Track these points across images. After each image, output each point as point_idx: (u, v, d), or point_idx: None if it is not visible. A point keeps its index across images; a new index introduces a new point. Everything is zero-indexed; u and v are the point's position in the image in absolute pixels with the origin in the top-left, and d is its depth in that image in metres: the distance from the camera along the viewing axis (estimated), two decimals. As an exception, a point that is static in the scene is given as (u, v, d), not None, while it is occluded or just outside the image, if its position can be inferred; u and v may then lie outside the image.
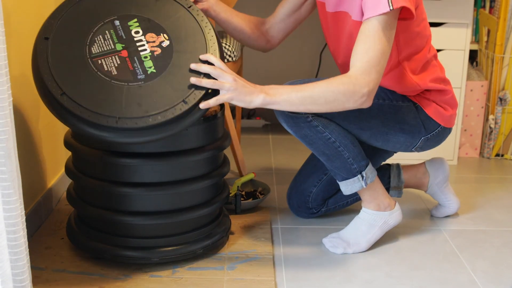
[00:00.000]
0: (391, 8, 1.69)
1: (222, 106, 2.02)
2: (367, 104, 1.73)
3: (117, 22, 1.72)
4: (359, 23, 1.80)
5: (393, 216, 2.05)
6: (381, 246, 2.07)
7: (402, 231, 2.17)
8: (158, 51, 1.72)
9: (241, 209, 2.21)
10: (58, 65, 1.65)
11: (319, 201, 2.21)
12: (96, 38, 1.71)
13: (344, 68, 1.99)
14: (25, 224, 1.50)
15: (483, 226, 2.26)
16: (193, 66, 1.69)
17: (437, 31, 2.71)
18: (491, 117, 2.89)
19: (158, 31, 1.75)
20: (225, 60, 2.48)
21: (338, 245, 2.03)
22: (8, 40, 1.74)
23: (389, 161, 2.41)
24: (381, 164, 2.23)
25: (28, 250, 1.52)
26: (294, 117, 1.89)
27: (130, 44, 1.72)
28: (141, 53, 1.72)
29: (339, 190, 2.16)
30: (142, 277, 1.81)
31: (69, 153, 2.07)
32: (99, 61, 1.69)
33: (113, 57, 1.70)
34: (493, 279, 1.89)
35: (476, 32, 3.05)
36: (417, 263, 1.98)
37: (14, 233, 1.45)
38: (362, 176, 1.95)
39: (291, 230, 2.17)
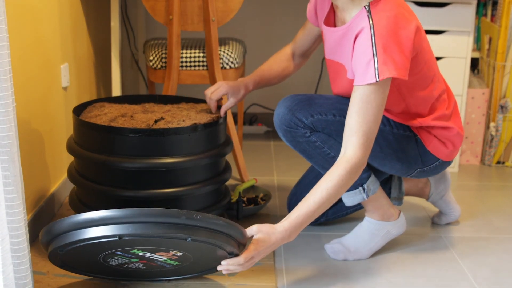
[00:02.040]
0: (378, 79, 1.68)
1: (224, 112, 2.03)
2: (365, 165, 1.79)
3: (119, 252, 1.63)
4: (353, 81, 1.80)
5: (396, 226, 2.04)
6: (382, 253, 2.07)
7: (403, 238, 2.17)
8: (175, 257, 1.68)
9: (242, 215, 2.22)
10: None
11: None
12: (108, 260, 1.68)
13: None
14: (27, 228, 1.51)
15: (484, 233, 2.26)
16: (220, 268, 1.67)
17: (439, 39, 2.72)
18: (492, 124, 2.89)
19: (165, 250, 1.64)
20: (228, 67, 2.49)
21: (339, 252, 2.03)
22: (12, 46, 1.75)
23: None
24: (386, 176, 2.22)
25: (30, 254, 1.52)
26: (292, 131, 1.89)
27: (143, 258, 1.68)
28: (159, 259, 1.69)
29: (339, 201, 2.16)
30: (144, 283, 1.81)
31: (72, 158, 2.07)
32: (124, 266, 1.72)
33: (135, 264, 1.71)
34: (494, 286, 1.89)
35: (477, 40, 3.06)
36: (418, 270, 1.98)
37: (17, 237, 1.46)
38: (364, 189, 1.94)
39: (292, 236, 2.17)
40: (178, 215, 1.54)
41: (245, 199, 2.36)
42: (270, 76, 2.16)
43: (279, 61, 2.19)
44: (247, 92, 2.10)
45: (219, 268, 1.67)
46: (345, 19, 1.83)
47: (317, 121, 1.88)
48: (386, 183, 2.20)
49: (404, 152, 1.96)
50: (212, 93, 2.04)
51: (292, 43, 2.21)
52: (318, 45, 2.19)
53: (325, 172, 1.95)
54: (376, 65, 1.67)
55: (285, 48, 2.22)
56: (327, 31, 1.91)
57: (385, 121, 1.94)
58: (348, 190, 1.95)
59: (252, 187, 2.43)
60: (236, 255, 1.69)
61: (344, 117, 1.88)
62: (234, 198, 2.29)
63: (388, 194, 2.19)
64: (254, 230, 1.68)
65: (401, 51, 1.71)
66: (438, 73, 1.97)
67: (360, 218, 2.10)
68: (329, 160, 1.91)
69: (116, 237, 1.52)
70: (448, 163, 2.03)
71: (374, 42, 1.68)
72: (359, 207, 2.15)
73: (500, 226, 2.32)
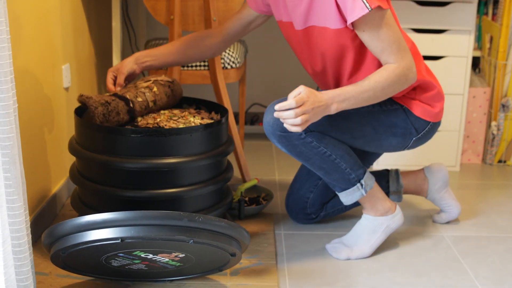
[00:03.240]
0: (370, 9, 1.71)
1: (225, 111, 2.04)
2: (416, 78, 1.85)
3: (121, 254, 1.63)
4: (343, 30, 1.80)
5: (394, 219, 2.05)
6: (384, 252, 2.07)
7: (404, 237, 2.17)
8: (177, 258, 1.68)
9: (244, 215, 2.22)
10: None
11: (317, 206, 2.21)
12: (110, 261, 1.67)
13: (322, 75, 1.99)
14: (29, 230, 1.51)
15: (486, 232, 2.26)
16: (276, 114, 1.69)
17: (440, 38, 2.72)
18: (493, 123, 2.89)
19: (168, 252, 1.64)
20: (229, 67, 2.49)
21: (341, 251, 2.03)
22: (13, 47, 1.75)
23: (387, 166, 2.41)
24: (373, 166, 2.22)
25: (32, 255, 1.53)
26: (287, 136, 1.87)
27: (145, 259, 1.67)
28: (162, 260, 1.68)
29: (336, 194, 2.16)
30: (146, 282, 1.82)
31: (73, 159, 2.08)
32: (126, 267, 1.72)
33: (137, 265, 1.71)
34: (495, 285, 1.90)
35: (478, 39, 3.06)
36: (420, 269, 1.98)
37: (19, 239, 1.46)
38: (361, 185, 1.95)
39: (294, 236, 2.18)
40: (180, 218, 1.55)
41: (247, 199, 2.36)
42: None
43: (197, 46, 2.13)
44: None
45: (275, 114, 1.69)
46: None
47: None
48: (383, 178, 2.21)
49: (397, 126, 1.98)
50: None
51: (218, 28, 2.13)
52: (246, 33, 2.15)
53: (322, 173, 1.96)
54: None
55: (202, 34, 2.14)
56: (294, 2, 1.87)
57: None
58: (346, 189, 1.96)
59: (254, 187, 2.43)
60: (239, 256, 1.69)
61: None
62: (236, 198, 2.29)
63: (387, 188, 2.21)
64: (300, 87, 1.70)
65: None
66: (404, 33, 1.98)
67: (359, 216, 2.10)
68: (326, 158, 1.91)
69: (118, 240, 1.53)
70: (438, 123, 2.06)
71: None
72: (357, 202, 2.16)
73: (502, 225, 2.32)
